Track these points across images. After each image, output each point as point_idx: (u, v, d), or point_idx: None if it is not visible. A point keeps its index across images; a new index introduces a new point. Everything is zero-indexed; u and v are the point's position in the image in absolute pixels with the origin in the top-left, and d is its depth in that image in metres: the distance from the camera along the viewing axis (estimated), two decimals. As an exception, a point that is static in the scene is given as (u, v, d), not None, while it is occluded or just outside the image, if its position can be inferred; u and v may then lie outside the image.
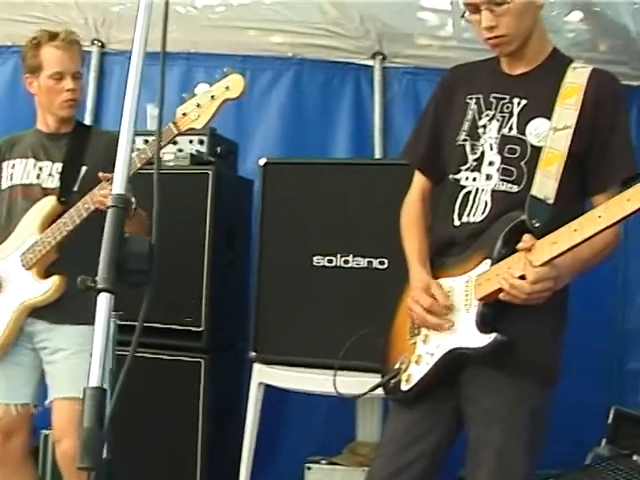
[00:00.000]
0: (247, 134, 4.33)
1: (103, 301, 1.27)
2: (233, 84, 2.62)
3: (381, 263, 3.28)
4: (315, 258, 3.37)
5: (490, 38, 2.23)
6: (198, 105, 2.65)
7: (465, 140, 2.31)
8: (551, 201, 2.13)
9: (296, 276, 3.39)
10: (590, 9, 3.64)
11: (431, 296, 2.24)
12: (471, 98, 2.35)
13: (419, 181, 2.53)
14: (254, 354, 3.41)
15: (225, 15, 4.12)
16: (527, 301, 2.05)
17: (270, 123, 4.36)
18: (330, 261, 3.35)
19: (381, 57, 4.26)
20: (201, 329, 3.49)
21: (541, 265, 2.02)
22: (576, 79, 2.21)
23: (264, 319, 3.42)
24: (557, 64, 2.27)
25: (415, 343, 2.32)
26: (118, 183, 1.32)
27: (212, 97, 2.63)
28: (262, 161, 3.49)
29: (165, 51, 1.38)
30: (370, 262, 3.30)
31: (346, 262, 3.33)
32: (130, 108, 1.35)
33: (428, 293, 2.24)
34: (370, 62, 4.30)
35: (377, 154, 4.24)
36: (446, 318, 2.22)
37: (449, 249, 2.33)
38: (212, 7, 4.08)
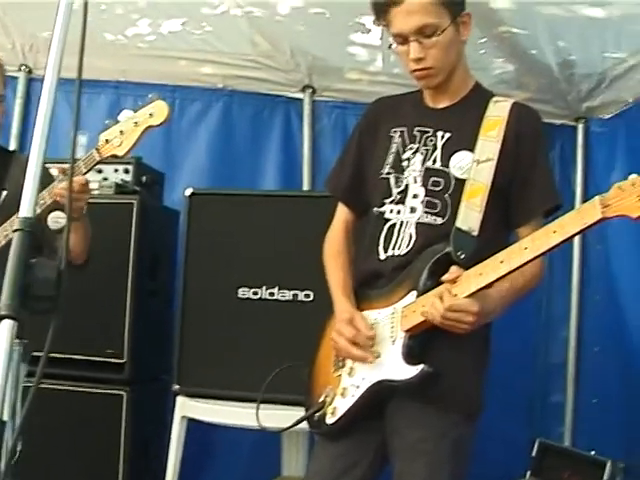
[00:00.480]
0: (175, 164, 4.30)
1: (5, 328, 1.20)
2: (157, 111, 2.57)
3: (307, 296, 3.27)
4: (240, 290, 3.33)
5: (417, 70, 2.25)
6: (121, 132, 2.59)
7: (389, 173, 2.32)
8: (475, 233, 2.14)
9: (221, 308, 3.35)
10: (515, 49, 3.71)
11: (354, 328, 2.22)
12: (395, 131, 2.36)
13: (342, 213, 2.53)
14: (177, 387, 3.35)
15: (155, 44, 4.07)
16: (442, 326, 2.04)
17: (199, 154, 4.34)
18: (255, 293, 3.32)
19: (311, 90, 4.28)
20: (123, 361, 3.41)
21: (466, 297, 2.03)
22: (498, 112, 2.24)
23: (188, 351, 3.36)
24: (479, 98, 2.31)
25: (340, 375, 2.30)
26: (25, 207, 1.27)
27: (135, 124, 2.58)
28: (188, 191, 3.46)
29: (81, 77, 1.33)
30: (296, 295, 3.28)
31: (271, 294, 3.31)
32: (41, 132, 1.30)
33: (351, 325, 2.23)
34: (300, 95, 4.31)
35: (305, 186, 4.24)
36: (370, 350, 2.20)
37: (374, 282, 2.32)
38: (142, 36, 4.03)
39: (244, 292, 3.33)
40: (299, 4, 3.60)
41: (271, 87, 4.30)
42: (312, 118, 4.31)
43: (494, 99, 2.29)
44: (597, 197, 1.83)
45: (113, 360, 3.41)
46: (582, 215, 1.86)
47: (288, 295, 3.29)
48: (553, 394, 4.14)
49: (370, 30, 3.65)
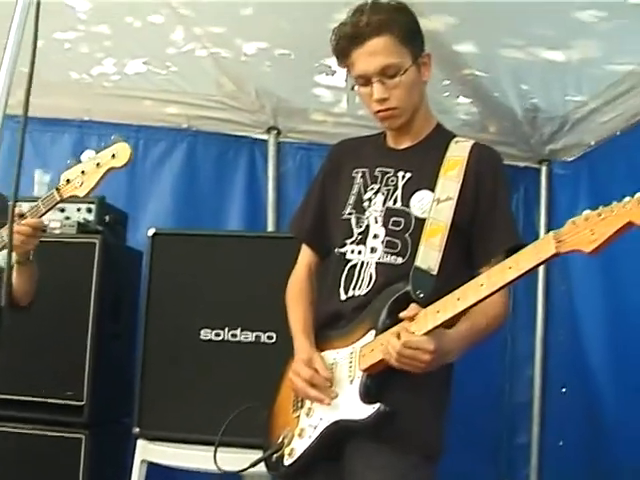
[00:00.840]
0: (139, 205, 4.28)
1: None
2: (119, 152, 2.54)
3: (269, 337, 3.24)
4: (203, 331, 3.30)
5: (381, 110, 2.26)
6: (83, 172, 2.56)
7: (350, 214, 2.32)
8: (434, 272, 2.14)
9: (183, 349, 3.31)
10: (479, 92, 3.74)
11: (312, 368, 2.20)
12: (357, 172, 2.37)
13: (306, 255, 2.53)
14: (138, 430, 3.29)
15: (120, 84, 4.06)
16: (399, 364, 2.02)
17: (163, 194, 4.33)
18: (218, 335, 3.28)
19: (276, 132, 4.30)
20: (82, 403, 3.34)
21: (424, 334, 2.01)
22: (458, 152, 2.25)
23: (149, 393, 3.31)
24: (441, 138, 2.32)
25: (299, 416, 2.28)
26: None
27: (97, 165, 2.55)
28: (151, 231, 3.43)
29: (27, 115, 1.31)
30: (258, 336, 3.26)
31: (234, 336, 3.27)
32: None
33: (309, 365, 2.21)
34: (265, 136, 4.34)
35: (270, 227, 4.24)
36: (328, 391, 2.18)
37: (335, 323, 2.30)
38: (107, 75, 4.02)
39: (206, 333, 3.30)
40: (264, 45, 3.62)
41: (236, 128, 4.32)
42: (277, 159, 4.33)
43: (455, 139, 2.31)
44: (551, 232, 1.83)
45: (72, 402, 3.34)
46: (536, 251, 1.86)
47: (251, 337, 3.26)
48: (519, 435, 4.13)
49: (335, 72, 3.67)
